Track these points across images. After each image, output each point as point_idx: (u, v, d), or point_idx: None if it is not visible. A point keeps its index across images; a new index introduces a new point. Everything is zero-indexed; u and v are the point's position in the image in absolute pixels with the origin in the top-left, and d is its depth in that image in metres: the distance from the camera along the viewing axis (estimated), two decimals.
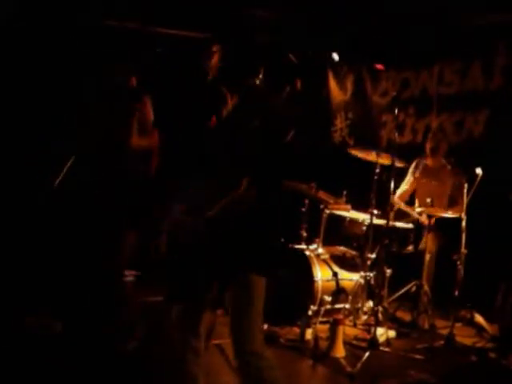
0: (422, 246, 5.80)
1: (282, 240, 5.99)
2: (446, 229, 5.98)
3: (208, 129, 3.40)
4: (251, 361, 3.07)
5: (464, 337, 5.46)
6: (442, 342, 5.23)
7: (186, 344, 3.24)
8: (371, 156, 5.48)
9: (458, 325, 5.57)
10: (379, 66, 7.06)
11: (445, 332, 5.38)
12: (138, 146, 4.75)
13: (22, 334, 4.52)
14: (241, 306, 3.11)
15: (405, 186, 6.32)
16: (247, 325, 3.08)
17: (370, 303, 5.60)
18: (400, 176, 6.15)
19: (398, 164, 5.25)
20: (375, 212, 5.31)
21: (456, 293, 5.40)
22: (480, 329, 5.65)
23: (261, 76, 3.29)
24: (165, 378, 3.75)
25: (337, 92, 8.30)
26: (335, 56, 7.75)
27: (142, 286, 5.91)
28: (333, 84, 8.33)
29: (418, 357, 4.88)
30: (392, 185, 5.06)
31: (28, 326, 4.66)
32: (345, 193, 5.88)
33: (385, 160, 5.30)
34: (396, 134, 5.17)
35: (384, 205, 5.24)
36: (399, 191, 6.27)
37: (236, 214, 3.01)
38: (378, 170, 5.30)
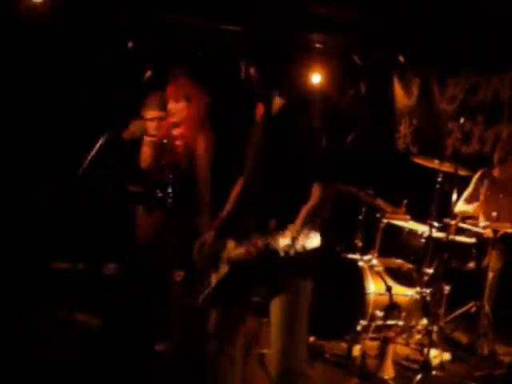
0: (485, 263, 5.41)
1: (338, 248, 5.79)
2: None
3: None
4: (291, 378, 2.84)
5: None
6: (503, 371, 4.82)
7: (222, 352, 3.05)
8: (434, 164, 5.14)
9: None
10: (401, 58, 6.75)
11: (506, 359, 5.02)
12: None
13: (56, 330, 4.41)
14: (284, 315, 2.87)
15: (466, 198, 5.90)
16: (290, 337, 2.86)
17: (425, 322, 5.24)
18: (465, 187, 5.79)
19: (462, 172, 4.90)
20: (435, 224, 4.98)
21: None
22: None
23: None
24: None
25: (402, 96, 7.96)
26: (401, 58, 7.42)
27: (188, 287, 5.77)
28: (398, 88, 7.99)
29: None
30: (455, 195, 4.70)
31: (63, 322, 4.56)
32: (405, 202, 5.60)
33: (448, 168, 4.95)
34: (461, 143, 4.83)
35: (445, 216, 4.90)
36: (460, 203, 5.87)
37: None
38: (440, 179, 4.96)
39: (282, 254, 2.57)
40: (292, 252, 2.53)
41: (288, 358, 2.82)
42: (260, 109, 3.11)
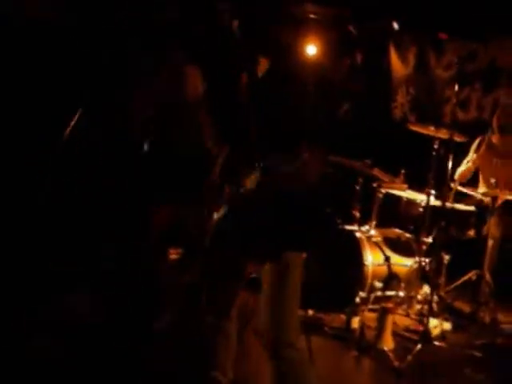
0: (484, 230, 5.33)
1: (336, 220, 5.71)
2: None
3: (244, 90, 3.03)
4: (283, 351, 2.75)
5: None
6: (504, 339, 4.77)
7: (216, 326, 2.99)
8: (430, 131, 5.03)
9: None
10: (443, 36, 6.56)
11: (508, 327, 4.93)
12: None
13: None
14: (275, 288, 2.77)
15: (465, 165, 5.80)
16: (282, 311, 2.76)
17: (425, 291, 5.16)
18: (462, 154, 5.68)
19: (458, 138, 4.79)
20: (433, 192, 4.88)
21: None
22: None
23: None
24: (192, 358, 3.47)
25: (398, 65, 7.83)
26: (395, 25, 7.27)
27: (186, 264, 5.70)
28: (394, 57, 7.85)
29: (475, 354, 4.46)
30: (450, 162, 4.59)
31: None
32: (403, 171, 5.49)
33: (444, 135, 4.84)
34: (458, 109, 4.71)
35: (443, 184, 4.80)
36: (459, 170, 5.77)
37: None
38: (436, 146, 4.85)
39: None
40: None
41: (276, 330, 2.73)
42: (244, 77, 3.00)
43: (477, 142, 5.78)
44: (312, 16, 7.36)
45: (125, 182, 4.78)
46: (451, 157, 4.60)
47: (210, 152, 3.96)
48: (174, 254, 5.76)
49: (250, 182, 2.59)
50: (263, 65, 2.91)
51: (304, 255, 2.86)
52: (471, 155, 5.77)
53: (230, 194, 2.77)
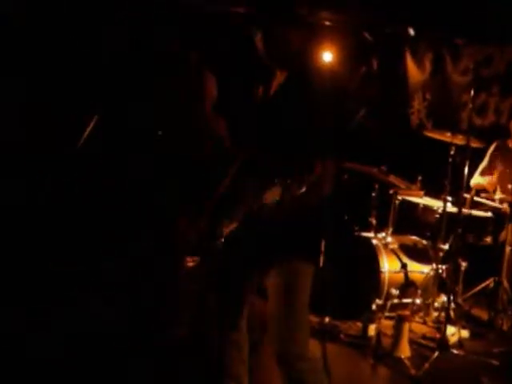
0: (502, 237, 5.28)
1: (354, 227, 5.69)
2: None
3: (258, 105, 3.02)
4: (292, 362, 2.71)
5: None
6: None
7: (226, 338, 2.95)
8: (447, 137, 4.99)
9: None
10: (459, 41, 6.54)
11: None
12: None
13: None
14: (283, 299, 2.72)
15: (482, 171, 5.75)
16: (289, 322, 2.71)
17: (442, 299, 5.12)
18: (479, 159, 5.64)
19: (474, 144, 4.75)
20: (449, 198, 4.84)
21: None
22: None
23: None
24: (205, 372, 3.45)
25: (414, 71, 7.78)
26: (411, 31, 7.24)
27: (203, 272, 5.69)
28: (410, 63, 7.81)
29: (493, 362, 4.37)
30: (467, 168, 4.55)
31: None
32: (419, 178, 5.47)
33: (460, 140, 4.80)
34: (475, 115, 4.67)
35: (460, 191, 4.76)
36: (475, 176, 5.72)
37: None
38: (452, 152, 4.81)
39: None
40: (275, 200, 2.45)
41: (284, 342, 2.69)
42: (260, 90, 2.99)
43: (493, 146, 5.74)
44: (327, 23, 7.38)
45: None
46: (467, 163, 4.55)
47: (223, 160, 3.95)
48: (190, 262, 5.77)
49: (270, 195, 2.52)
50: (279, 77, 2.90)
51: (313, 266, 2.83)
52: (486, 161, 5.73)
53: (247, 207, 2.71)
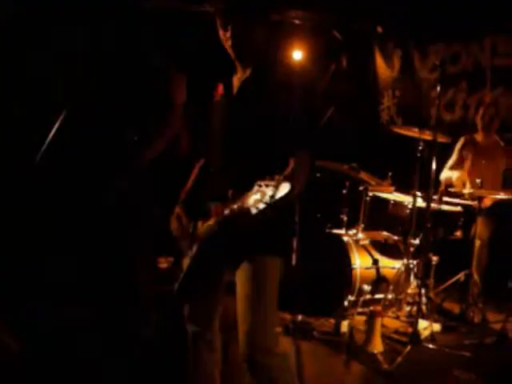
0: (472, 231, 5.31)
1: (325, 225, 5.72)
2: (500, 213, 5.45)
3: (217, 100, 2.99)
4: (259, 357, 2.66)
5: None
6: (494, 339, 4.70)
7: (200, 338, 2.93)
8: (414, 133, 5.02)
9: None
10: (379, 29, 6.65)
11: (497, 327, 4.87)
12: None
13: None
14: (251, 293, 2.69)
15: (450, 165, 5.80)
16: (258, 316, 2.67)
17: (414, 293, 5.14)
18: (447, 154, 5.69)
19: (441, 139, 4.78)
20: (418, 193, 4.88)
21: (510, 284, 4.99)
22: None
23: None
24: (178, 373, 3.50)
25: (384, 69, 7.86)
26: (379, 29, 7.30)
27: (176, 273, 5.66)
28: (379, 60, 7.89)
29: (465, 354, 4.38)
30: (434, 163, 4.57)
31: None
32: (390, 174, 5.51)
33: (428, 136, 4.83)
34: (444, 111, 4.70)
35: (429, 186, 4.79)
36: (444, 170, 5.77)
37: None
38: (420, 147, 4.85)
39: (253, 211, 2.38)
40: (261, 206, 2.34)
41: (252, 335, 2.66)
42: (220, 88, 2.96)
43: (461, 141, 5.79)
44: (297, 21, 7.40)
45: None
46: (434, 158, 4.58)
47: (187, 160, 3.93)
48: (164, 263, 5.74)
49: (251, 198, 2.41)
50: (242, 74, 2.87)
51: (280, 259, 2.79)
52: (455, 155, 5.78)
53: (222, 208, 2.65)
